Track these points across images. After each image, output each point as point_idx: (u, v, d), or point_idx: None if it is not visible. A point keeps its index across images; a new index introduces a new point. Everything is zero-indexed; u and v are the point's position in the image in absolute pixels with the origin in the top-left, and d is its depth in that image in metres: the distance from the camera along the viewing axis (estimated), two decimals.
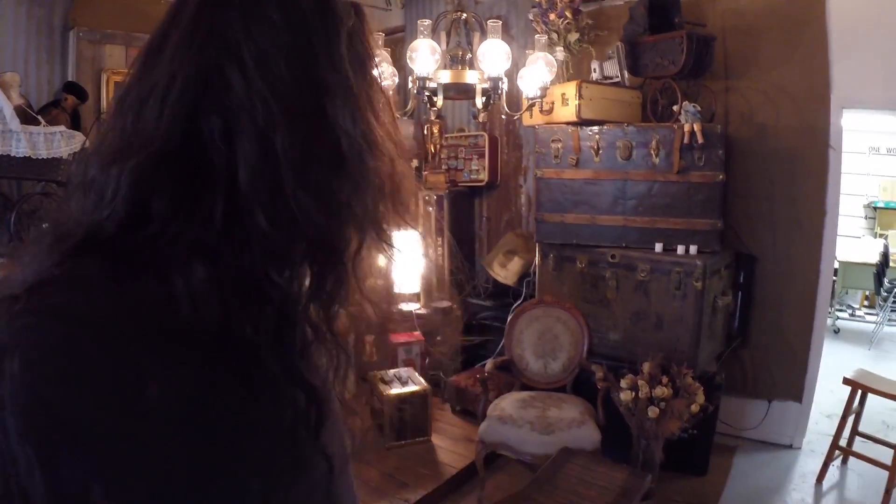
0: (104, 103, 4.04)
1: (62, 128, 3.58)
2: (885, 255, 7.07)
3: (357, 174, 0.62)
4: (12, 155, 3.37)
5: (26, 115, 3.50)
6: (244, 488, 0.56)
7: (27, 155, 3.40)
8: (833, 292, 7.42)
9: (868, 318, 7.71)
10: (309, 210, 0.58)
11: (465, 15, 3.14)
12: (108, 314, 0.51)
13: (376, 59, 0.70)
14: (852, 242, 7.95)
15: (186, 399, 0.52)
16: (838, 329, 7.26)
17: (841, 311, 7.90)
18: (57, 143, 3.52)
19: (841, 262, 7.42)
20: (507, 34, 4.73)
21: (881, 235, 8.25)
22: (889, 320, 6.87)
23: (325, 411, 0.62)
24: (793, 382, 4.25)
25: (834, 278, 7.37)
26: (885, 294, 6.81)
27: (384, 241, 0.67)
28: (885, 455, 3.65)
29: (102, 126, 0.62)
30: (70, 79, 3.97)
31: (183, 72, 0.58)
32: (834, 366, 4.79)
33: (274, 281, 0.58)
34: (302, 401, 0.59)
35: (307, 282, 0.62)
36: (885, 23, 3.83)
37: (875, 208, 8.59)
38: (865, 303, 8.20)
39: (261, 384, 0.57)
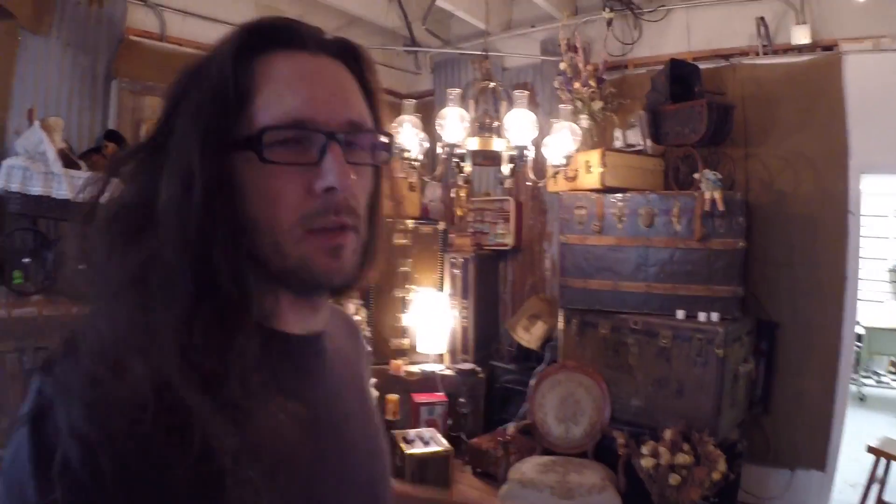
0: None
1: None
2: None
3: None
4: (53, 196, 3.47)
5: (68, 160, 3.61)
6: None
7: (67, 198, 3.49)
8: (858, 359, 7.31)
9: (894, 384, 7.55)
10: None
11: (493, 84, 3.26)
12: (89, 398, 0.56)
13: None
14: (877, 307, 7.87)
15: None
16: (864, 396, 7.13)
17: (867, 377, 7.75)
18: None
19: (866, 328, 7.33)
20: (532, 101, 4.87)
21: None
22: None
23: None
24: (816, 451, 4.17)
25: (859, 345, 7.28)
26: None
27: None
28: None
29: None
30: (111, 127, 4.08)
31: None
32: (859, 434, 4.71)
33: None
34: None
35: None
36: None
37: None
38: (892, 369, 8.01)
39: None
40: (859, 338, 7.33)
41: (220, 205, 0.64)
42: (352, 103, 0.71)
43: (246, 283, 0.64)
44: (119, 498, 0.54)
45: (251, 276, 0.65)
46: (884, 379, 7.90)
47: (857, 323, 7.37)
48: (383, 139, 0.75)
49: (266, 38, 0.69)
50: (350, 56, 0.74)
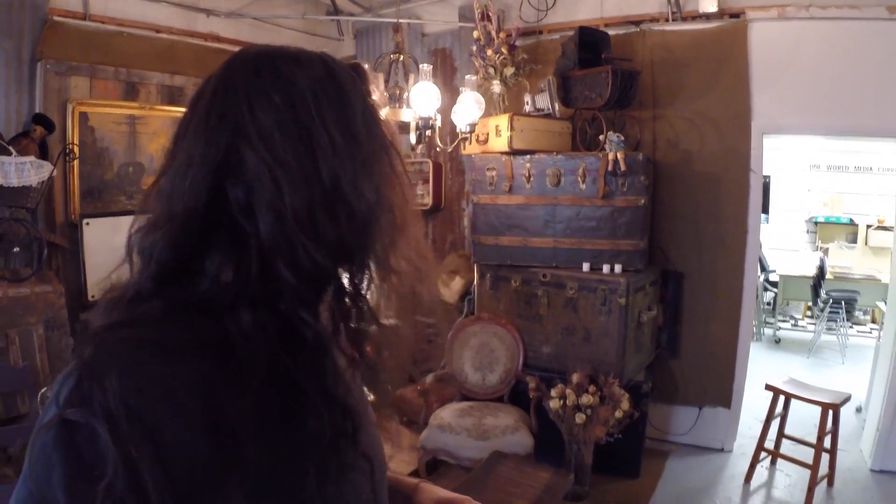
0: (69, 133, 4.22)
1: (32, 158, 3.73)
2: (822, 268, 7.43)
3: (363, 225, 0.73)
4: None
5: None
6: (300, 485, 0.68)
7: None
8: (774, 304, 7.78)
9: (809, 328, 8.05)
10: (322, 261, 0.69)
11: (402, 57, 3.43)
12: (180, 344, 0.65)
13: (384, 121, 0.81)
14: (793, 256, 8.33)
15: (250, 418, 0.63)
16: (779, 339, 7.61)
17: (784, 321, 8.26)
18: (27, 172, 3.69)
19: (781, 276, 7.79)
20: (451, 66, 5.03)
21: (822, 249, 8.65)
22: (827, 329, 7.21)
23: (361, 423, 0.73)
24: (722, 390, 4.55)
25: (775, 290, 7.74)
26: (822, 305, 7.15)
27: (391, 277, 0.78)
28: (812, 456, 3.90)
29: (144, 202, 0.74)
30: (38, 109, 4.10)
31: (198, 152, 0.69)
32: (772, 374, 5.00)
33: (305, 321, 0.69)
34: (340, 417, 0.70)
35: (333, 318, 0.74)
36: (802, 56, 4.17)
37: (816, 223, 8.99)
38: (808, 313, 8.55)
39: (305, 406, 0.68)
40: (775, 284, 7.80)
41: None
42: None
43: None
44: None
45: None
46: (800, 323, 8.42)
47: (773, 271, 7.86)
48: None
49: None
50: None
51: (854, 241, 8.74)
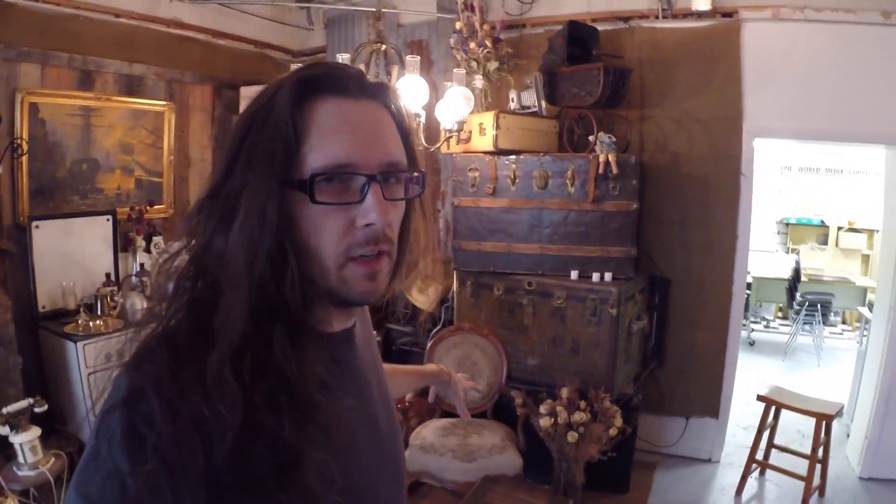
0: (18, 125, 3.87)
1: None
2: (797, 271, 7.44)
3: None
4: None
5: None
6: None
7: None
8: (747, 306, 7.76)
9: (782, 329, 8.11)
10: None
11: (384, 47, 3.18)
12: (174, 390, 0.68)
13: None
14: (765, 258, 8.33)
15: (226, 447, 0.67)
16: (753, 341, 7.61)
17: (756, 323, 8.27)
18: None
19: (755, 278, 7.77)
20: (427, 59, 4.78)
21: (793, 250, 8.70)
22: (802, 331, 7.22)
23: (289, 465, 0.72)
24: (709, 399, 4.43)
25: (748, 292, 7.71)
26: (798, 307, 7.14)
27: None
28: (800, 465, 3.87)
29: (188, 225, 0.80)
30: None
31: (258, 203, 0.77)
32: (750, 378, 4.95)
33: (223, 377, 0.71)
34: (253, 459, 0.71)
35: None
36: (795, 58, 4.06)
37: (787, 224, 9.03)
38: (780, 314, 8.61)
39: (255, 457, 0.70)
40: (748, 286, 7.77)
41: (285, 237, 0.76)
42: (389, 145, 0.81)
43: (308, 300, 0.78)
44: (203, 476, 0.67)
45: (309, 293, 0.78)
46: (772, 324, 8.46)
47: (747, 273, 7.81)
48: (416, 175, 0.86)
49: (315, 85, 0.79)
50: (388, 97, 0.85)
51: (825, 242, 8.82)
